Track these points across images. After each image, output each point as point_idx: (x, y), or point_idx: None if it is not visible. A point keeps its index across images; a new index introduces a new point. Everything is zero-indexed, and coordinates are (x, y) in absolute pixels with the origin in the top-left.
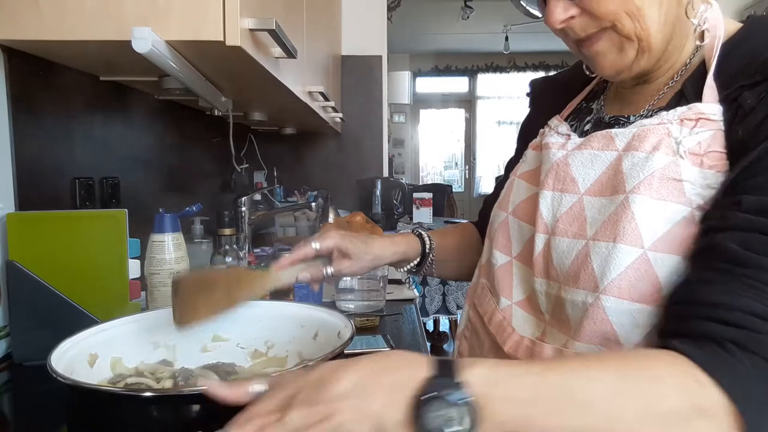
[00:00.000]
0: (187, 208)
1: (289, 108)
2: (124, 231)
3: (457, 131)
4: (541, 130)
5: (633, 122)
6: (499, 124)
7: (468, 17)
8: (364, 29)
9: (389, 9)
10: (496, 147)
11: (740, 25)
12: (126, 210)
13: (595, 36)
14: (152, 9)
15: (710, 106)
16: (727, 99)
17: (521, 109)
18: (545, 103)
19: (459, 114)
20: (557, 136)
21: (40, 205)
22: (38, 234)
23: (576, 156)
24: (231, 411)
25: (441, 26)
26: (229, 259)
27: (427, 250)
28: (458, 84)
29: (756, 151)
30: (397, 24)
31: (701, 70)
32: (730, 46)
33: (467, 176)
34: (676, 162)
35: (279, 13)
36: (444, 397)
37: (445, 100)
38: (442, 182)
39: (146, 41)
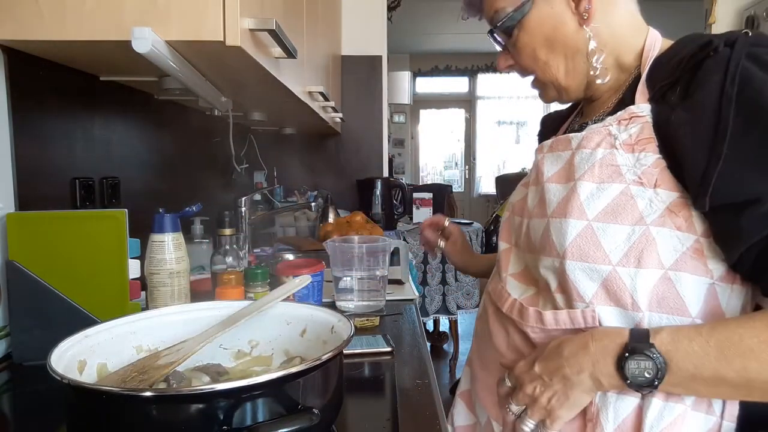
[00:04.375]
0: (187, 208)
1: (289, 108)
2: (124, 231)
3: (457, 131)
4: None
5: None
6: (499, 124)
7: (468, 17)
8: (364, 29)
9: (389, 9)
10: (496, 147)
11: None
12: (126, 210)
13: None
14: (152, 9)
15: (640, 105)
16: (654, 98)
17: (521, 109)
18: (549, 135)
19: (459, 114)
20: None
21: (40, 205)
22: (38, 234)
23: (547, 157)
24: (231, 411)
25: (441, 26)
26: (229, 259)
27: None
28: (458, 84)
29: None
30: (397, 24)
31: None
32: (661, 58)
33: (467, 176)
34: (613, 153)
35: (279, 13)
36: (642, 352)
37: (445, 100)
38: (442, 182)
39: (146, 41)
